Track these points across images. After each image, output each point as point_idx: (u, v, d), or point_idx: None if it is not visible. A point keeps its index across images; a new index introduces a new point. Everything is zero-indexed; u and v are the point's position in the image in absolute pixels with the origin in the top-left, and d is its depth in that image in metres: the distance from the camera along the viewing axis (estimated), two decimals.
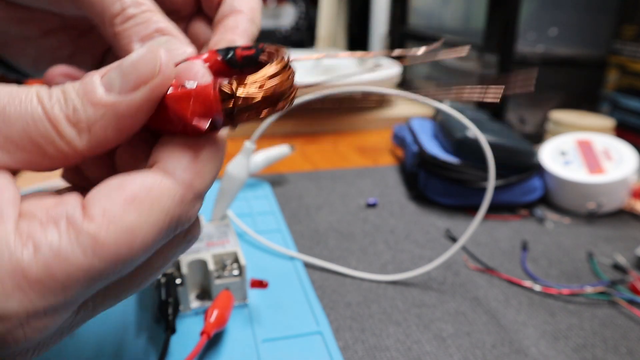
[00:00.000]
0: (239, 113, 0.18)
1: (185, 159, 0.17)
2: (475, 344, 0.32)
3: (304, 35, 1.41)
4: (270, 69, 0.18)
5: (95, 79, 0.17)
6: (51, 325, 0.16)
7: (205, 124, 0.17)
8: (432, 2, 1.05)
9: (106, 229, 0.15)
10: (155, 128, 0.18)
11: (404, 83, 1.04)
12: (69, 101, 0.16)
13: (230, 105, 0.17)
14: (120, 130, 0.17)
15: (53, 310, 0.15)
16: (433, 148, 0.53)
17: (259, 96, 0.17)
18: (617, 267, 0.41)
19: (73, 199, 0.16)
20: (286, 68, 0.18)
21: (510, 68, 0.71)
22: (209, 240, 0.36)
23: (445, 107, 0.37)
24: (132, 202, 0.16)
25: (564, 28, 0.74)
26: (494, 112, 0.73)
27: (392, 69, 0.81)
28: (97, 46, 0.28)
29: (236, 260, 0.35)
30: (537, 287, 0.38)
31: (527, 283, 0.39)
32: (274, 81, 0.18)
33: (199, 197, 0.18)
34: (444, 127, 0.55)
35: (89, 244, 0.15)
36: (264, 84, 0.18)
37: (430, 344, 0.32)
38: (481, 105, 0.76)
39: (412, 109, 0.83)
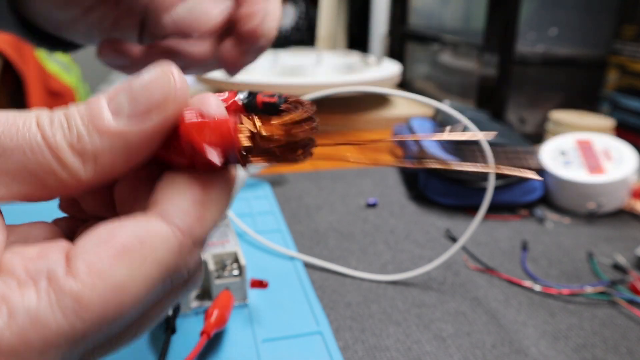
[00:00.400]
0: (256, 153, 0.16)
1: (187, 201, 0.16)
2: (475, 344, 0.32)
3: (304, 35, 1.41)
4: (296, 115, 0.17)
5: (102, 102, 0.15)
6: None
7: (220, 159, 0.16)
8: (432, 2, 1.05)
9: (91, 288, 0.14)
10: (160, 158, 0.17)
11: (404, 83, 1.04)
12: (72, 127, 0.15)
13: (250, 143, 0.16)
14: (129, 159, 0.16)
15: None
16: (433, 148, 0.53)
17: (282, 139, 0.16)
18: (617, 267, 0.41)
19: (57, 250, 0.15)
20: (310, 120, 0.17)
21: (510, 68, 0.71)
22: (208, 240, 0.36)
23: (445, 107, 0.36)
24: (122, 255, 0.14)
25: (564, 28, 0.74)
26: (494, 112, 0.73)
27: (392, 69, 0.81)
28: (134, 8, 0.31)
29: (236, 260, 0.35)
30: (537, 287, 0.38)
31: (527, 283, 0.39)
32: (299, 128, 0.17)
33: (200, 243, 0.16)
34: (443, 127, 0.55)
35: (70, 306, 0.14)
36: (288, 128, 0.16)
37: (430, 344, 0.32)
38: (481, 106, 0.76)
39: (412, 109, 0.83)
